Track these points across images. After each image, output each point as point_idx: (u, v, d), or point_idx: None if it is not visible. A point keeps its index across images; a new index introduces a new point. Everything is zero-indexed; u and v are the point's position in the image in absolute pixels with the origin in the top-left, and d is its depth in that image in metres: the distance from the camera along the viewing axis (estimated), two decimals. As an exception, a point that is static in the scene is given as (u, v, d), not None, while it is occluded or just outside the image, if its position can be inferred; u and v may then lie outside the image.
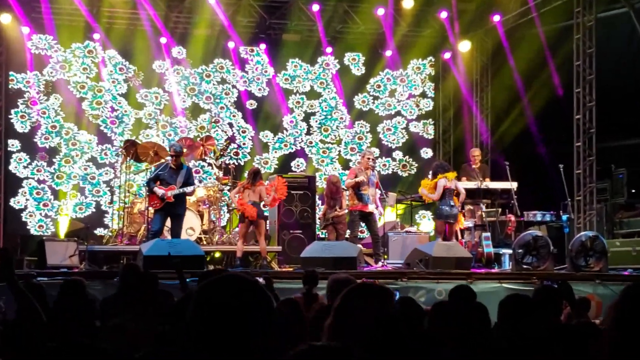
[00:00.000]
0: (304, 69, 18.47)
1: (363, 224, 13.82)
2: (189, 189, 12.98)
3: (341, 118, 18.58)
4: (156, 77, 17.61)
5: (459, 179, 14.24)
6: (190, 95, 17.79)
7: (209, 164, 16.89)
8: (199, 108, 17.85)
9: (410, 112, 18.94)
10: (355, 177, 13.45)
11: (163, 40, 17.36)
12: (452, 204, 13.27)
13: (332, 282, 5.80)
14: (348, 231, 13.84)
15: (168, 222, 12.96)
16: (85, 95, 17.20)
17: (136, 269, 6.83)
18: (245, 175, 13.88)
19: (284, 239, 15.09)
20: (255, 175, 13.16)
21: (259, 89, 18.20)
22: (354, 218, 13.58)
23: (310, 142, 18.37)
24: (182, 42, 17.69)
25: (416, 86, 18.96)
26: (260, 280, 8.31)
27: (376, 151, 17.61)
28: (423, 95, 19.05)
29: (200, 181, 15.88)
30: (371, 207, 13.52)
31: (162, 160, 13.71)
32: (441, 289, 11.38)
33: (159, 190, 12.56)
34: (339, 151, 18.54)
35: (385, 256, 14.20)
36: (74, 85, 17.15)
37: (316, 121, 18.48)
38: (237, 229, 14.56)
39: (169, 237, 13.50)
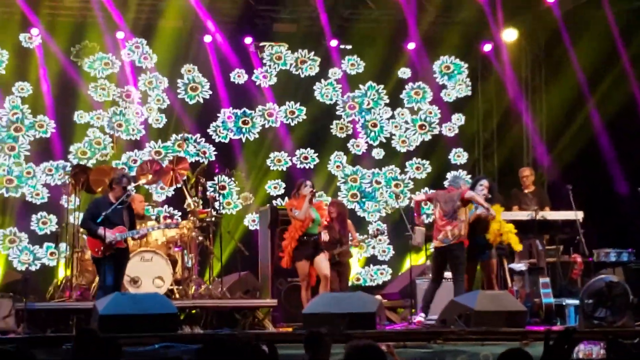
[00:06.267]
0: (303, 62, 18.63)
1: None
2: (142, 231, 13.34)
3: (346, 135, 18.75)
4: (113, 80, 17.77)
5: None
6: (159, 107, 17.96)
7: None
8: (171, 124, 18.00)
9: (440, 120, 19.05)
10: None
11: (120, 35, 17.52)
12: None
13: (350, 352, 5.75)
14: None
15: None
16: (19, 105, 17.34)
17: (95, 336, 6.85)
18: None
19: (279, 289, 15.10)
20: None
21: (247, 96, 18.38)
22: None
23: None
24: (144, 37, 17.83)
25: (447, 89, 19.06)
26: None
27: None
28: (456, 101, 19.15)
29: (157, 219, 15.66)
30: None
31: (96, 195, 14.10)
32: (487, 352, 11.31)
33: (107, 234, 12.53)
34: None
35: (413, 310, 14.20)
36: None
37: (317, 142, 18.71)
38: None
39: (130, 290, 13.61)
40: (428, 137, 19.00)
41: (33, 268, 16.95)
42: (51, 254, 17.01)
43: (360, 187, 18.66)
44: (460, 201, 13.24)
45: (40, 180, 17.32)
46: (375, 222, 18.55)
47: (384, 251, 18.53)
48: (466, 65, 19.12)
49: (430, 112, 18.98)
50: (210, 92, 18.18)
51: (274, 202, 17.88)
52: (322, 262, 13.48)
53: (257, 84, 18.39)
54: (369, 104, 18.84)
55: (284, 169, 18.44)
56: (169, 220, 15.09)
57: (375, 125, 18.82)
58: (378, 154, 18.81)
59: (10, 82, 17.34)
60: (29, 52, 17.39)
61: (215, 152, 18.10)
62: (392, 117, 18.88)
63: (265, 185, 18.29)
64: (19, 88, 17.34)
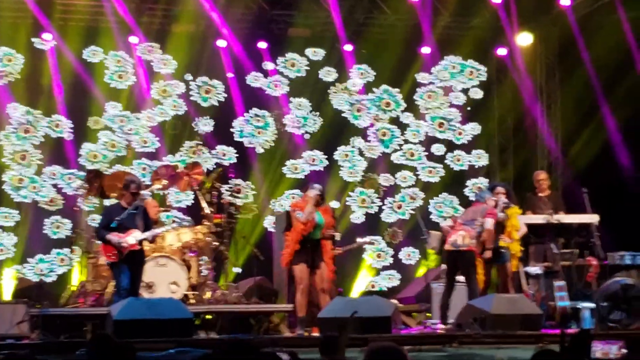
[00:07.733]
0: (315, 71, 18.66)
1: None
2: (155, 231, 13.14)
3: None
4: (126, 87, 17.84)
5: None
6: (175, 112, 18.01)
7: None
8: (186, 130, 18.04)
9: (458, 131, 19.05)
10: None
11: (133, 39, 17.59)
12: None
13: (371, 354, 5.70)
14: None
15: None
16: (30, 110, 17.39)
17: (109, 340, 6.83)
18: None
19: (295, 294, 15.11)
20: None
21: (261, 100, 18.43)
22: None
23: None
24: (158, 41, 17.89)
25: (458, 94, 19.08)
26: (284, 357, 8.29)
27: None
28: (471, 105, 19.15)
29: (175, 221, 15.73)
30: None
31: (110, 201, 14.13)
32: (503, 356, 11.31)
33: (115, 239, 12.52)
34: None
35: (428, 314, 14.17)
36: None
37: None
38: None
39: (145, 295, 13.59)
40: (447, 136, 18.99)
41: (49, 280, 16.95)
42: (61, 260, 17.04)
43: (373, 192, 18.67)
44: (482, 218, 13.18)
45: (54, 184, 17.35)
46: (391, 223, 18.56)
47: (408, 255, 18.54)
48: (485, 69, 19.13)
49: (450, 114, 18.98)
50: (225, 96, 18.20)
51: (289, 207, 17.90)
52: (323, 273, 13.19)
53: (266, 92, 18.40)
54: (388, 105, 18.83)
55: (302, 177, 18.43)
56: (182, 216, 15.09)
57: (385, 134, 18.82)
58: (397, 158, 18.80)
59: (24, 86, 17.38)
60: (42, 56, 17.41)
61: (236, 155, 18.16)
62: (408, 120, 18.88)
63: (281, 195, 18.28)
64: (33, 91, 17.37)
